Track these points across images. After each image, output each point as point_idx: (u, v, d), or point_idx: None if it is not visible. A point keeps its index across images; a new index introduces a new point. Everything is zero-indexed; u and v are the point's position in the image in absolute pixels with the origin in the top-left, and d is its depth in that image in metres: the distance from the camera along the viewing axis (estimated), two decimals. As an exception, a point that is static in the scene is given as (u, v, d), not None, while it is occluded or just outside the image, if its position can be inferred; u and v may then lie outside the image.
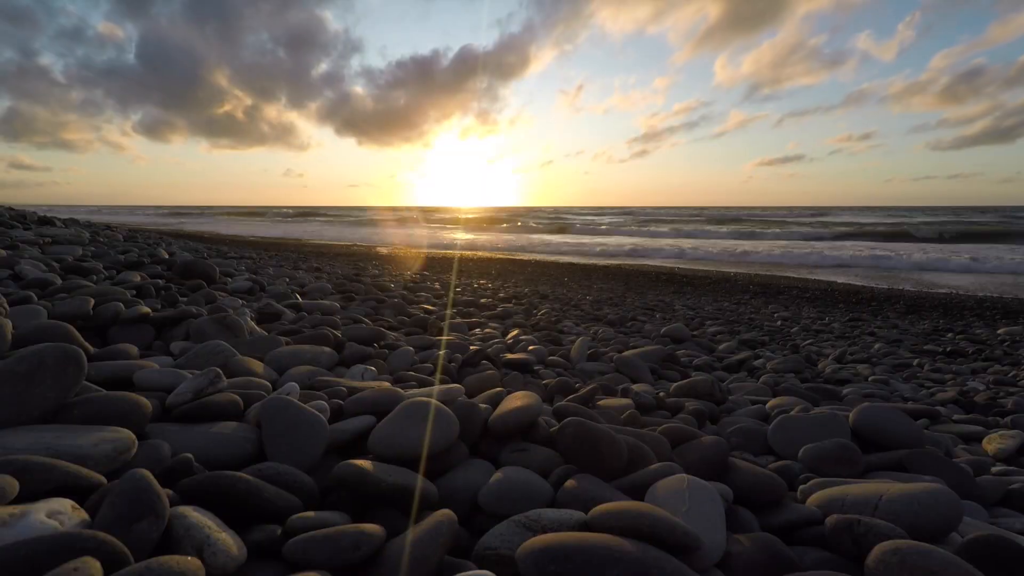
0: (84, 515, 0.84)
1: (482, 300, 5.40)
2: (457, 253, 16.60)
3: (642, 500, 1.18)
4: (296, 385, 1.62)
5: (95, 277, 3.14)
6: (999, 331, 5.67)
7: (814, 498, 1.29)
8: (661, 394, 2.39)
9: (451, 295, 5.51)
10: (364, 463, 1.12)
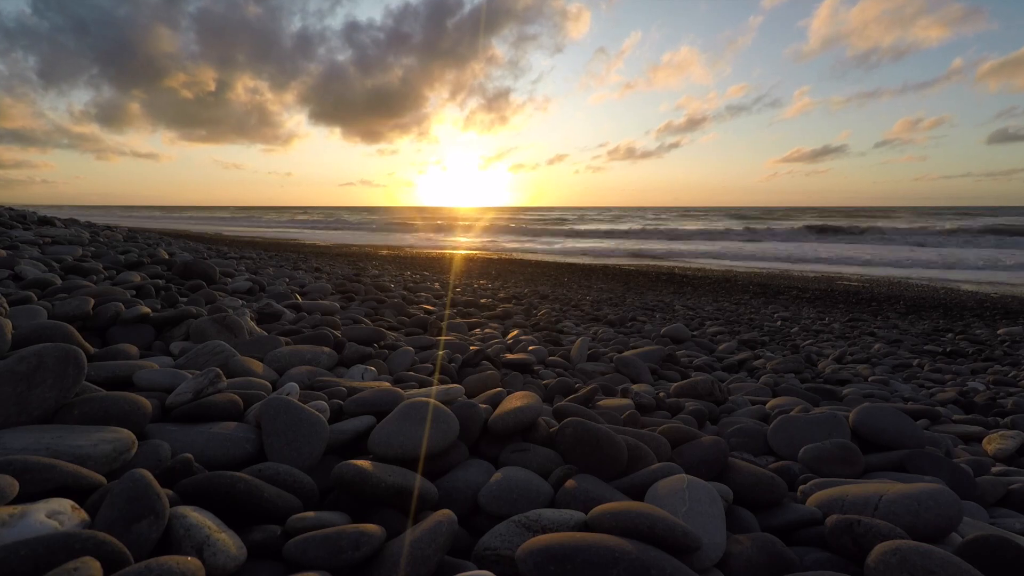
0: (84, 515, 0.84)
1: (482, 300, 5.40)
2: (457, 254, 16.61)
3: (642, 500, 1.18)
4: (296, 385, 1.62)
5: (95, 277, 3.14)
6: (999, 331, 5.67)
7: (814, 498, 1.29)
8: (661, 394, 2.39)
9: (450, 295, 5.52)
10: (364, 463, 1.12)
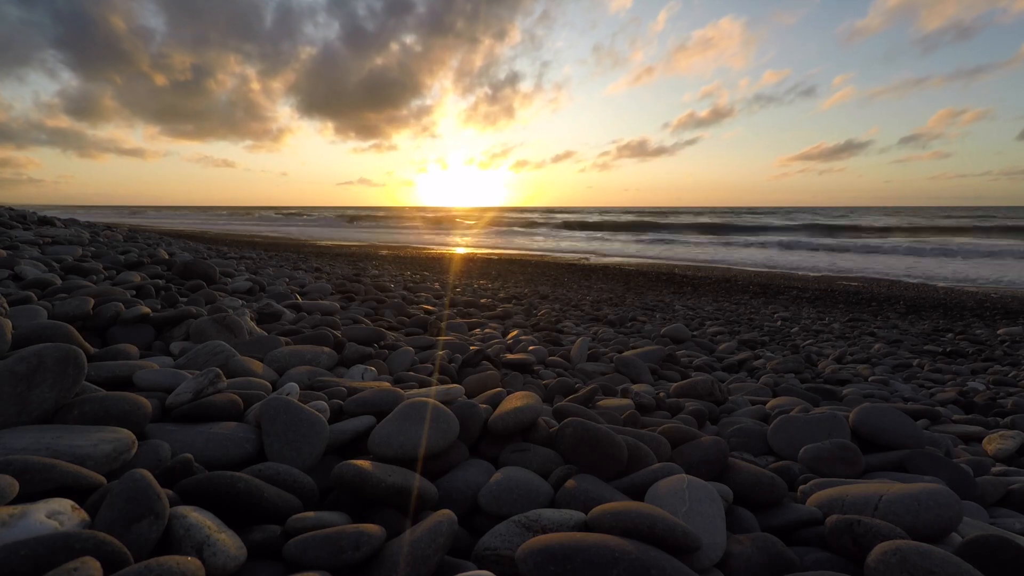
0: (84, 515, 0.84)
1: (482, 300, 5.40)
2: (457, 254, 16.61)
3: (642, 500, 1.18)
4: (296, 385, 1.62)
5: (95, 277, 3.14)
6: (999, 331, 5.67)
7: (814, 498, 1.29)
8: (661, 394, 2.39)
9: (450, 295, 5.52)
10: (364, 463, 1.12)
